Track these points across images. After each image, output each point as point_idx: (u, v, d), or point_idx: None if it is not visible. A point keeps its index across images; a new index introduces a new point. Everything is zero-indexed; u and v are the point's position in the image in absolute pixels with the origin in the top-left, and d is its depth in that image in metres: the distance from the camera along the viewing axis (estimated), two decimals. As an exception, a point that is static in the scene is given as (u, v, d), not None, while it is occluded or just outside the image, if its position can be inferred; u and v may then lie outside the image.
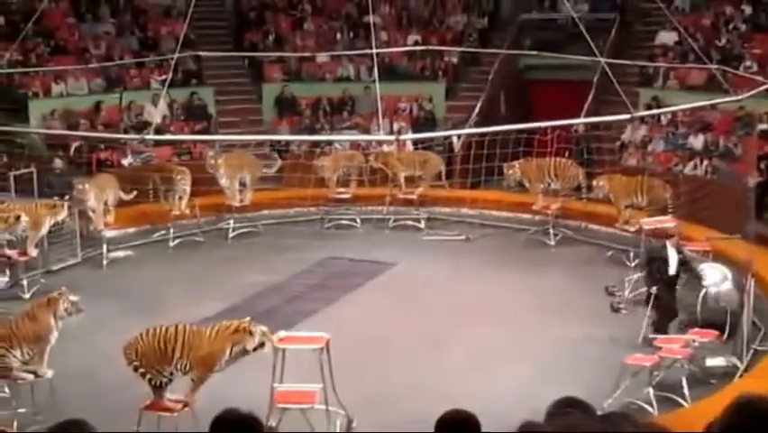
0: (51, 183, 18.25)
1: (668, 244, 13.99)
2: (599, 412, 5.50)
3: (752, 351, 13.13)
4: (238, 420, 4.44)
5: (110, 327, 13.04)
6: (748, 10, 23.74)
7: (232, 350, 11.01)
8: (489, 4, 27.16)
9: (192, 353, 10.89)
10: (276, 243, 18.55)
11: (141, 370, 10.77)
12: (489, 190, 20.20)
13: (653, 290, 13.68)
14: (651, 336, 13.23)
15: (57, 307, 11.87)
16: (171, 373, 10.82)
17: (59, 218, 16.67)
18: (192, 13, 17.78)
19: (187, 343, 10.86)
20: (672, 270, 13.78)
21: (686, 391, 11.86)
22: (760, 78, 16.90)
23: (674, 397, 11.83)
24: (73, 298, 12.20)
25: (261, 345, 11.11)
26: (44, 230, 16.49)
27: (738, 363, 12.82)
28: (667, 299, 13.68)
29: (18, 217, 15.76)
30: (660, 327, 13.49)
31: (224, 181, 19.29)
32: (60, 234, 17.38)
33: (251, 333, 11.03)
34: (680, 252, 13.96)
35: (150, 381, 10.79)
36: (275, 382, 10.95)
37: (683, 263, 13.95)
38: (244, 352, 11.02)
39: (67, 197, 17.29)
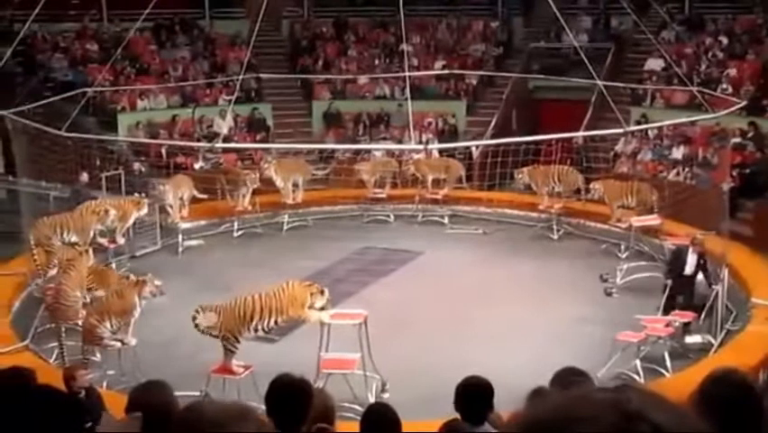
0: (131, 183, 18.35)
1: (690, 248, 13.68)
2: (595, 381, 5.49)
3: (725, 330, 13.02)
4: (292, 383, 4.47)
5: (184, 304, 13.08)
6: (725, 41, 23.55)
7: (310, 298, 11.36)
8: (504, 35, 27.06)
9: (274, 309, 11.18)
10: (322, 234, 18.56)
11: (219, 334, 10.92)
12: (503, 192, 20.10)
13: (668, 282, 13.49)
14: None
15: (142, 288, 11.99)
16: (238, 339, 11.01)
17: (143, 213, 16.78)
18: (254, 41, 17.85)
19: (266, 307, 11.05)
20: (688, 270, 13.52)
21: (668, 363, 11.80)
22: (734, 99, 16.81)
23: (658, 368, 11.78)
24: (158, 282, 12.31)
25: (323, 308, 11.30)
26: (130, 222, 16.61)
27: (713, 341, 12.73)
28: (676, 292, 13.36)
29: (107, 211, 15.88)
30: (665, 312, 13.22)
31: (279, 183, 19.31)
32: (143, 225, 17.49)
33: (322, 292, 11.47)
34: (701, 257, 13.58)
35: (225, 343, 10.93)
36: (321, 351, 11.00)
37: (702, 268, 13.56)
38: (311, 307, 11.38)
39: (144, 195, 17.39)
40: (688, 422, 1.28)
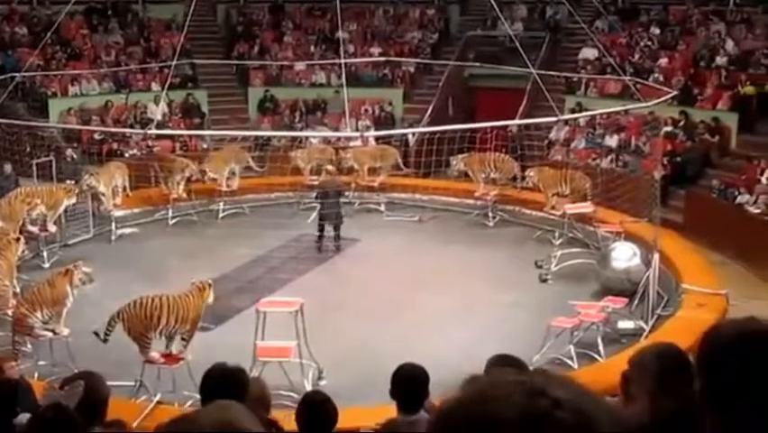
0: (62, 170, 18.03)
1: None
2: (530, 366, 5.55)
3: (656, 316, 13.27)
4: (227, 372, 4.44)
5: (118, 293, 12.88)
6: (656, 31, 23.94)
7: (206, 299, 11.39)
8: (440, 23, 27.16)
9: (181, 317, 10.93)
10: (258, 222, 18.37)
11: (129, 336, 10.79)
12: (439, 179, 20.19)
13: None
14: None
15: (73, 276, 11.81)
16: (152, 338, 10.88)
17: (72, 201, 16.52)
18: (188, 26, 17.65)
19: (172, 311, 10.88)
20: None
21: (601, 348, 11.99)
22: (665, 89, 17.08)
23: (591, 353, 11.96)
24: (86, 269, 12.14)
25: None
26: (61, 209, 16.34)
27: (644, 326, 12.96)
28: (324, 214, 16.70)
29: (36, 202, 15.64)
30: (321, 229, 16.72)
31: (211, 174, 19.07)
32: (76, 213, 17.20)
33: (209, 285, 11.48)
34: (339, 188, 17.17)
35: (136, 342, 10.79)
36: (257, 339, 10.96)
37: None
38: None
39: (73, 182, 17.11)
40: (587, 397, 1.39)
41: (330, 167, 18.39)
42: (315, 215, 17.43)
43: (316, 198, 17.41)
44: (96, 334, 10.85)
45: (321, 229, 16.96)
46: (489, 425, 1.33)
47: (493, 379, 1.46)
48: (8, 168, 17.33)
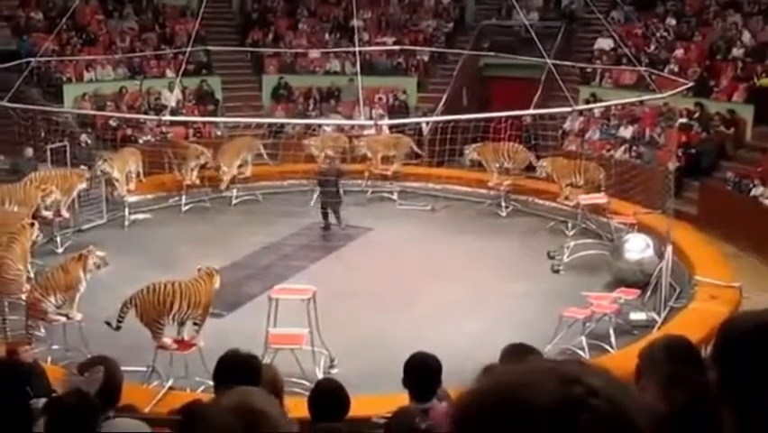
0: (76, 155, 18.09)
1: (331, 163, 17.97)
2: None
3: (668, 308, 13.24)
4: (240, 359, 4.46)
5: (130, 278, 12.93)
6: (672, 22, 23.81)
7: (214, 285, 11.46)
8: (455, 12, 27.09)
9: (193, 303, 10.96)
10: (271, 209, 18.39)
11: (142, 322, 10.81)
12: (452, 168, 20.16)
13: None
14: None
15: (86, 261, 11.86)
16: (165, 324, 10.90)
17: (86, 184, 16.59)
18: (203, 13, 17.64)
19: (185, 297, 10.90)
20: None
21: (613, 339, 11.97)
22: (681, 80, 17.00)
23: (603, 344, 11.94)
24: (100, 253, 12.18)
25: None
26: (74, 194, 16.41)
27: (657, 318, 12.92)
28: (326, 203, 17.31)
29: (51, 190, 15.71)
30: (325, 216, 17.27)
31: (224, 168, 19.03)
32: (90, 198, 17.26)
33: (216, 272, 11.54)
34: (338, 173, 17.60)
35: (149, 328, 10.81)
36: (269, 326, 10.99)
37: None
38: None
39: (87, 167, 17.17)
40: (618, 386, 1.39)
41: (330, 152, 18.77)
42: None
43: (319, 184, 17.76)
44: (108, 324, 10.85)
45: (324, 216, 17.36)
46: (523, 411, 1.31)
47: (526, 366, 1.43)
48: (29, 151, 17.41)
